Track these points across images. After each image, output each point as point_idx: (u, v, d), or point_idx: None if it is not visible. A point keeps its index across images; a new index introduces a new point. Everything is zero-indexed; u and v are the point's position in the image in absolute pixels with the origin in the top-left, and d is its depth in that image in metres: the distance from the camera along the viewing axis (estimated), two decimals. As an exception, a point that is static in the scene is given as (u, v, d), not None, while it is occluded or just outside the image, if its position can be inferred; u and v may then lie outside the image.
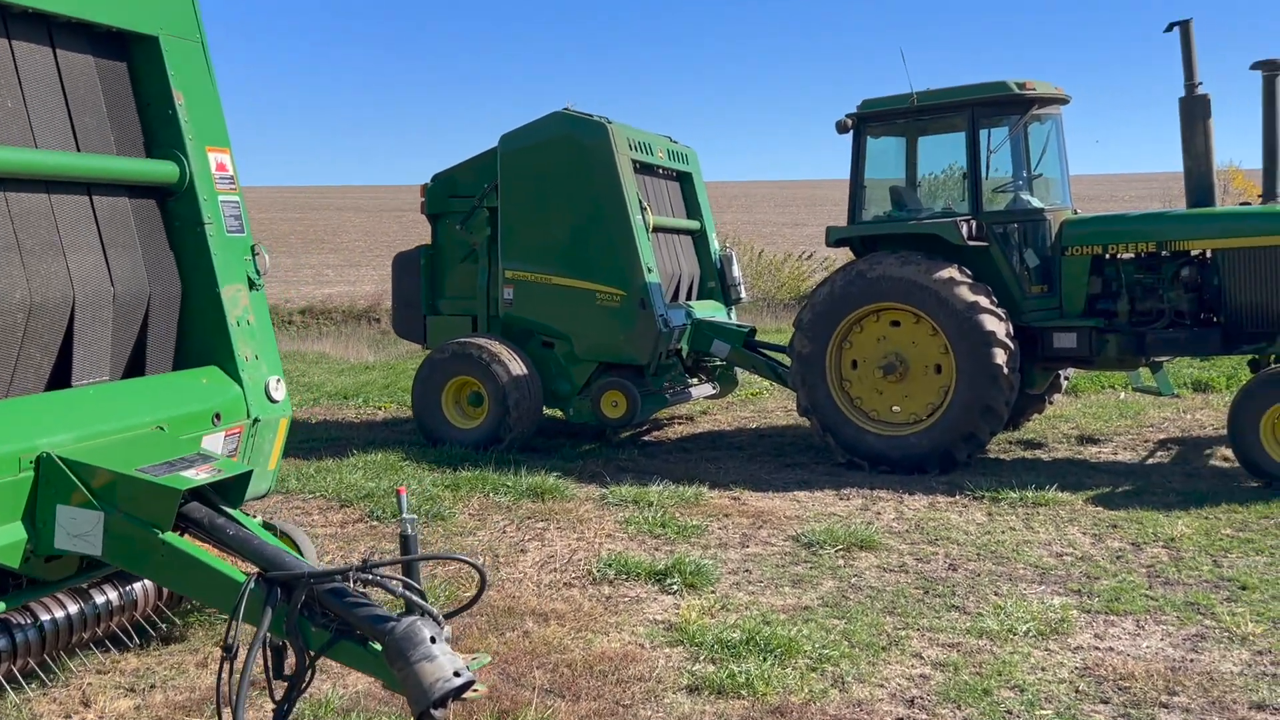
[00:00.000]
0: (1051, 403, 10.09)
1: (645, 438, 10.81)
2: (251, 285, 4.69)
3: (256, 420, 4.58)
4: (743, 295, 11.38)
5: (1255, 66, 8.20)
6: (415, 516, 3.82)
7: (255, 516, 6.87)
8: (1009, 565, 6.17)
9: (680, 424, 11.50)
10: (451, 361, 9.74)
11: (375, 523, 7.26)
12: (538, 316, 9.97)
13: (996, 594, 5.66)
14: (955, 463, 8.48)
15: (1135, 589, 5.67)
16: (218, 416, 4.35)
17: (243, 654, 3.34)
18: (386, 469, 8.88)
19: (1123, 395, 11.63)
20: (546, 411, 10.42)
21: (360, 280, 41.47)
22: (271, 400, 4.64)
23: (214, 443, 4.34)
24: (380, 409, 13.25)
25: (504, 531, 7.06)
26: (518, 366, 9.64)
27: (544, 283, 9.88)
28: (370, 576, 3.36)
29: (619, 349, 9.75)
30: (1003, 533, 6.85)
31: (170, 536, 3.58)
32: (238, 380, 4.52)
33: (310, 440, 10.72)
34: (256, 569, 3.54)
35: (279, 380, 4.69)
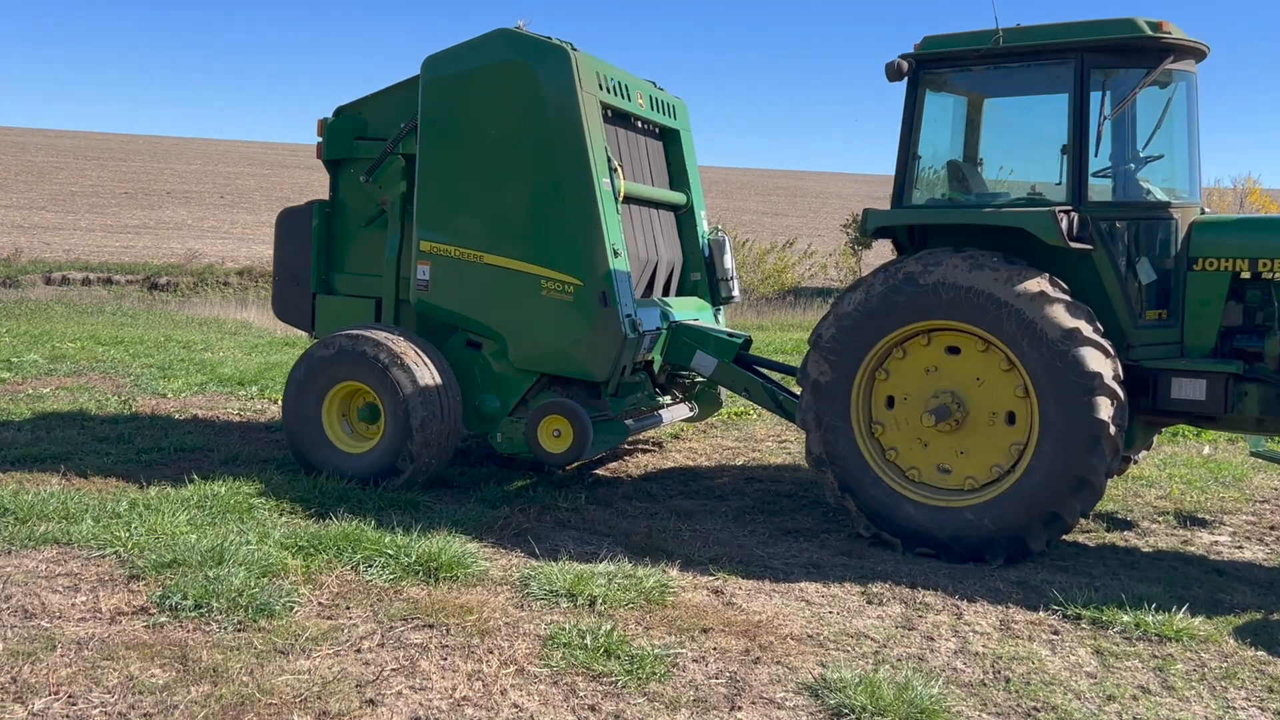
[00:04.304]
0: (1136, 461, 7.65)
1: (598, 470, 8.29)
2: None
3: None
4: (735, 293, 8.83)
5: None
6: None
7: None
8: (1173, 782, 3.70)
9: (645, 452, 8.98)
10: (338, 361, 7.14)
11: (166, 619, 4.68)
12: (461, 306, 7.39)
13: None
14: (1027, 552, 6.03)
15: None
16: None
17: None
18: (228, 510, 6.31)
19: (1206, 449, 9.22)
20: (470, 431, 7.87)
21: (317, 242, 38.74)
22: None
23: None
24: (274, 402, 10.65)
25: (358, 651, 4.49)
26: (428, 373, 7.07)
27: (472, 261, 7.29)
28: None
29: (569, 357, 7.20)
30: (1132, 698, 4.38)
31: None
32: None
33: (155, 450, 8.13)
34: None
35: None
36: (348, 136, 7.87)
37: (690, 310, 8.29)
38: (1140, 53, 6.15)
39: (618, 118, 7.88)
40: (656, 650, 4.58)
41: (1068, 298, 5.91)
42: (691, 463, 8.69)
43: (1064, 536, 6.39)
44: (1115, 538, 6.73)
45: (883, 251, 38.26)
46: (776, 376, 7.92)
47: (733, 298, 8.81)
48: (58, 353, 13.19)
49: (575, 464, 7.90)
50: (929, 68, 6.58)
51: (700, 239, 8.80)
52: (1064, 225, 5.95)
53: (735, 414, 10.48)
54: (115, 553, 5.49)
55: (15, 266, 30.30)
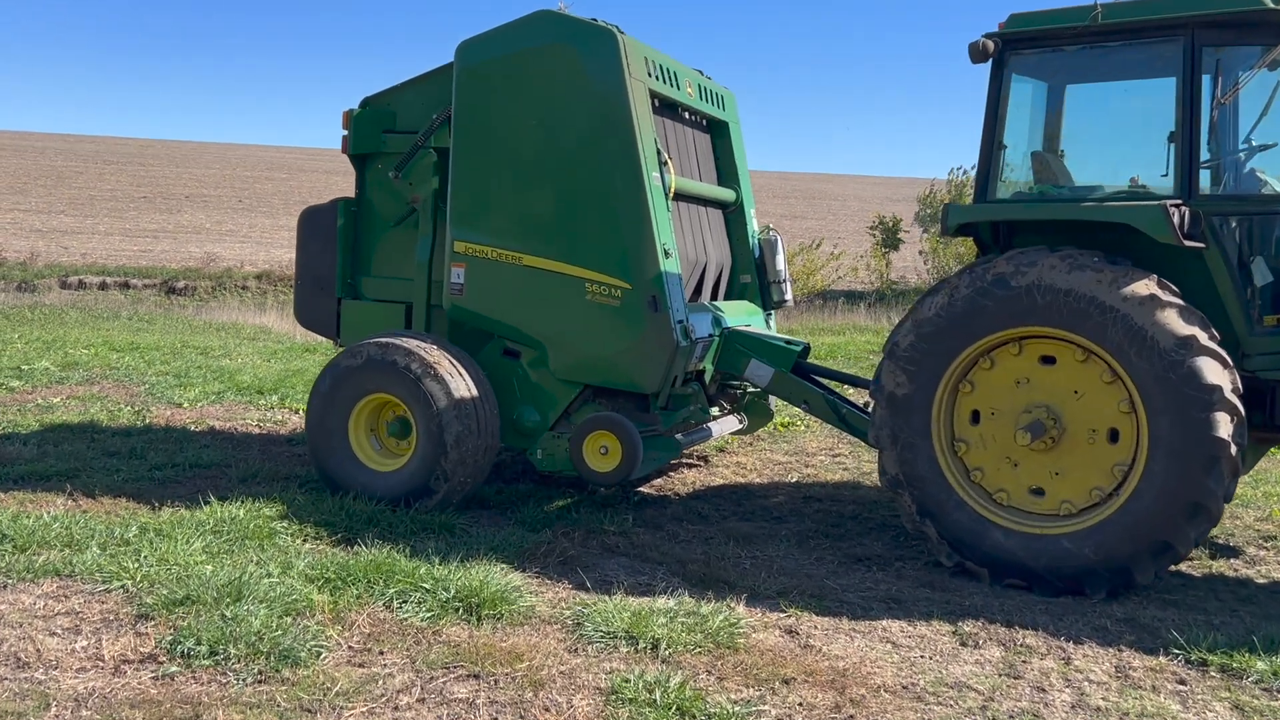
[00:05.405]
0: (1233, 480, 7.00)
1: (643, 488, 7.70)
2: None
3: None
4: (788, 296, 8.24)
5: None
6: None
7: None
8: None
9: (691, 468, 8.39)
10: (365, 371, 6.58)
11: (177, 669, 4.12)
12: (498, 312, 6.82)
13: None
14: (1132, 584, 5.41)
15: None
16: None
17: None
18: (247, 536, 5.74)
19: (1295, 464, 8.58)
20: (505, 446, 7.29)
21: (334, 246, 38.31)
22: None
23: None
24: (295, 412, 10.11)
25: (395, 709, 3.92)
26: (464, 385, 6.50)
27: (511, 263, 6.72)
28: None
29: (615, 367, 6.62)
30: (1294, 767, 3.77)
31: None
32: None
33: (169, 466, 7.58)
34: None
35: None
36: (375, 129, 7.31)
37: (741, 315, 7.70)
38: (1258, 28, 5.52)
39: (665, 108, 7.30)
40: (736, 708, 3.98)
41: (1180, 302, 5.29)
42: (742, 479, 8.09)
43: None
44: (1222, 566, 6.10)
45: (906, 255, 37.54)
46: (841, 389, 7.32)
47: (785, 301, 8.22)
48: (70, 360, 12.68)
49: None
50: (1016, 48, 5.98)
51: (750, 239, 8.21)
52: (1176, 221, 5.33)
53: (782, 425, 9.89)
54: (122, 586, 4.93)
55: (31, 270, 29.95)
